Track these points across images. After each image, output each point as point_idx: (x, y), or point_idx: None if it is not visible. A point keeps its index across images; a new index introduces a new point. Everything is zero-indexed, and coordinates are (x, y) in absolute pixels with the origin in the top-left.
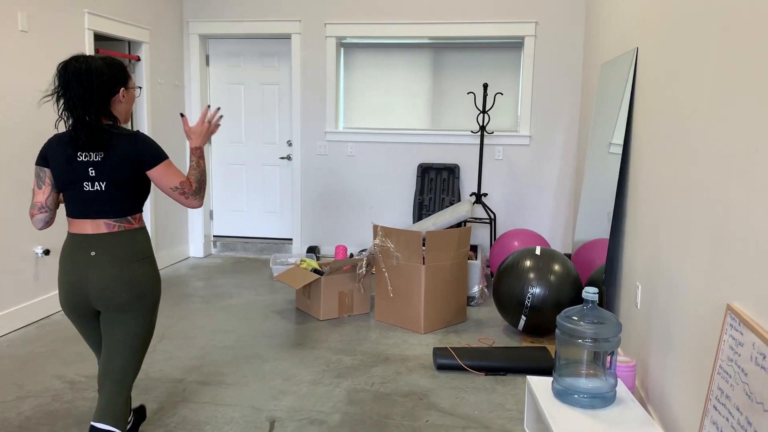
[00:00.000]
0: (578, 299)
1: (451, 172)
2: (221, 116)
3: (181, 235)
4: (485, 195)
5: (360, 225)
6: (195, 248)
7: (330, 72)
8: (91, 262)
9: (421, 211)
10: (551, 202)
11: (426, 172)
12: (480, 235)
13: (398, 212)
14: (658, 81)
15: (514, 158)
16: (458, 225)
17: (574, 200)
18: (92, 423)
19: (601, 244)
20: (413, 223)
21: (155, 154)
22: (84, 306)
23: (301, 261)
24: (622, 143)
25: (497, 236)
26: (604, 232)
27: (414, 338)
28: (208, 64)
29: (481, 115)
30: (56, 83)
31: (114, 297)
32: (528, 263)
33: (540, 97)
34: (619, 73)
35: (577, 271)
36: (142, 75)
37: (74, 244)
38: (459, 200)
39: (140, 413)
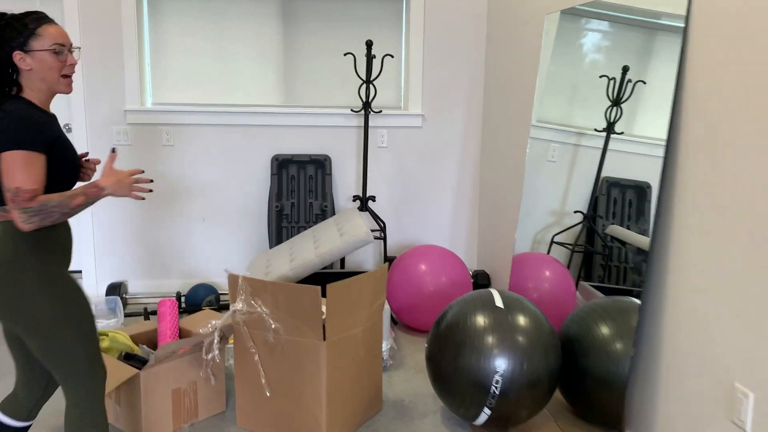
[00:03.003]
0: (561, 369)
1: (319, 166)
2: (150, 190)
3: None
4: (373, 199)
5: (188, 247)
6: None
7: (128, 20)
8: None
9: (280, 223)
10: (450, 203)
11: (284, 166)
12: (368, 256)
13: (246, 227)
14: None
15: (402, 145)
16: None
17: (477, 198)
18: None
19: (545, 261)
20: (271, 247)
21: (6, 140)
22: None
23: (100, 335)
24: (665, 140)
25: (389, 254)
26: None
27: None
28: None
29: (365, 86)
30: None
31: None
32: (483, 321)
33: (434, 64)
34: (626, 36)
35: (547, 319)
36: None
37: None
38: (332, 205)
39: None
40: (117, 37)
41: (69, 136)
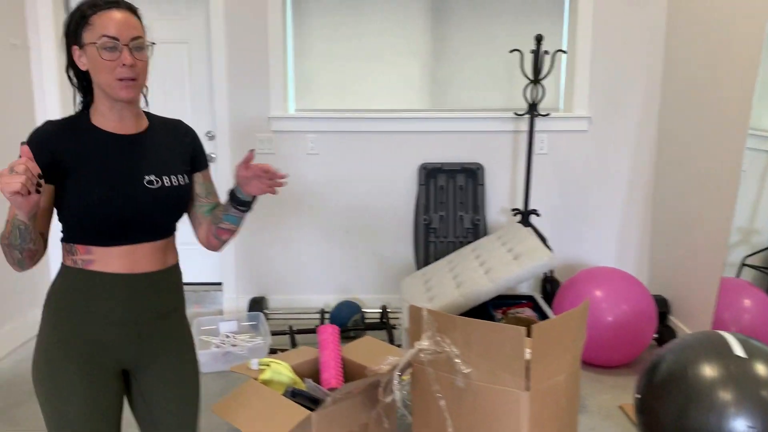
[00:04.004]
0: None
1: (470, 175)
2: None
3: (32, 293)
4: (536, 213)
5: (330, 261)
6: None
7: (274, 24)
8: None
9: (427, 237)
10: (617, 218)
11: (432, 176)
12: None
13: (391, 241)
14: None
15: (564, 152)
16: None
17: (650, 213)
18: None
19: (741, 288)
20: (418, 264)
21: None
22: None
23: (259, 365)
24: None
25: (554, 277)
26: None
27: None
28: (68, 8)
29: (532, 86)
30: None
31: None
32: (715, 372)
33: (603, 60)
34: None
35: None
36: None
37: None
38: (484, 217)
39: None
40: (261, 38)
41: (212, 144)
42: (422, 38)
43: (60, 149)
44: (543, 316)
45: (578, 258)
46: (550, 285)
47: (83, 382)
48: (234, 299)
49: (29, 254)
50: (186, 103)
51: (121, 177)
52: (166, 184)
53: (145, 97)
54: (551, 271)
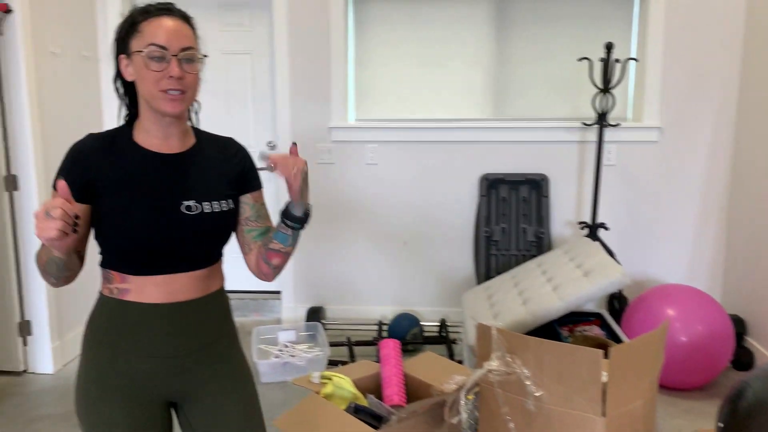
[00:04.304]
0: None
1: (534, 186)
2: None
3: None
4: (604, 227)
5: (388, 272)
6: None
7: (337, 34)
8: None
9: (489, 250)
10: (689, 233)
11: (494, 187)
12: None
13: (450, 253)
14: None
15: (633, 163)
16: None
17: (725, 227)
18: None
19: None
20: (478, 277)
21: None
22: None
23: (321, 378)
24: None
25: (622, 294)
26: None
27: None
28: None
29: (601, 95)
30: None
31: None
32: None
33: (675, 68)
34: None
35: None
36: (16, 38)
37: None
38: (548, 229)
39: None
40: (324, 48)
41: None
42: (485, 45)
43: (97, 168)
44: (611, 334)
45: (647, 274)
46: (618, 302)
47: (126, 420)
48: (292, 308)
49: (65, 279)
50: (248, 113)
51: (158, 202)
52: (206, 211)
53: (196, 114)
54: (620, 288)
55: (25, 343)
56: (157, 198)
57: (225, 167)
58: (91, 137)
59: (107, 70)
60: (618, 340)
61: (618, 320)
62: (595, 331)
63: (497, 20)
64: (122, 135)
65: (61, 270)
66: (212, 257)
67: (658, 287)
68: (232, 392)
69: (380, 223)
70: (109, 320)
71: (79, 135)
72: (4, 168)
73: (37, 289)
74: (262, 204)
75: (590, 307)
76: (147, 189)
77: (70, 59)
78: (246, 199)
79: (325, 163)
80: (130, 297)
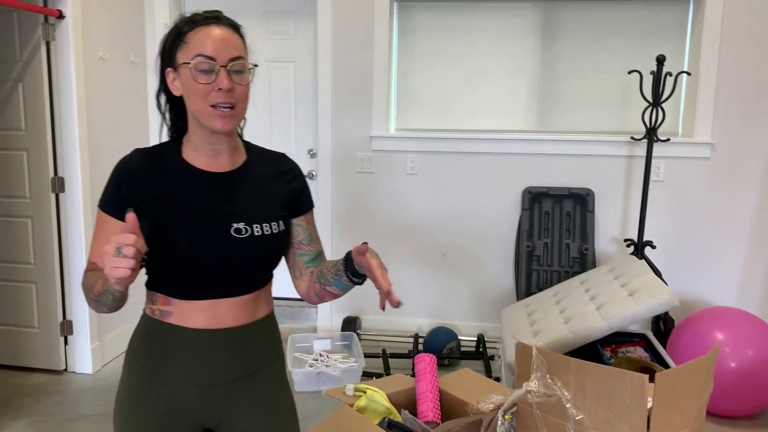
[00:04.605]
0: None
1: (579, 201)
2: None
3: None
4: (651, 245)
5: (425, 284)
6: None
7: (380, 43)
8: None
9: (530, 265)
10: (741, 254)
11: (537, 201)
12: None
13: (490, 267)
14: None
15: (683, 180)
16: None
17: None
18: None
19: None
20: (518, 292)
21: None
22: None
23: (355, 391)
24: None
25: (668, 316)
26: None
27: None
28: None
29: (651, 109)
30: None
31: None
32: None
33: (729, 82)
34: None
35: None
36: (68, 44)
37: None
38: (593, 246)
39: None
40: (367, 58)
41: (313, 161)
42: (531, 56)
43: (145, 187)
44: (656, 357)
45: (695, 295)
46: (664, 323)
47: None
48: (328, 317)
49: (117, 308)
50: (290, 120)
51: (206, 225)
52: (257, 234)
53: (240, 127)
54: (666, 310)
55: (66, 343)
56: (206, 220)
57: (277, 186)
58: (138, 153)
59: (154, 76)
60: (663, 363)
61: (663, 342)
62: (639, 352)
63: (544, 31)
64: (170, 151)
65: (117, 301)
66: (261, 281)
67: (707, 309)
68: (270, 429)
69: (419, 234)
70: (149, 342)
71: (125, 140)
72: (52, 170)
73: (79, 289)
74: (313, 227)
75: (635, 328)
76: (195, 210)
77: (118, 64)
78: (299, 222)
79: (365, 172)
80: (173, 320)
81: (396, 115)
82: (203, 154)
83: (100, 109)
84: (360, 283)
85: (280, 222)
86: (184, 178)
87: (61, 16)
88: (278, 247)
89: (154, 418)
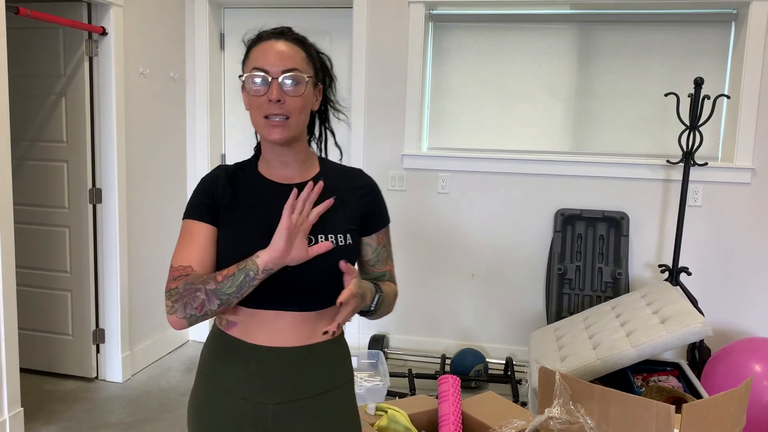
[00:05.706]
0: None
1: (613, 225)
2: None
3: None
4: (687, 271)
5: (454, 305)
6: (198, 330)
7: (414, 61)
8: None
9: (561, 288)
10: None
11: (570, 223)
12: None
13: (520, 289)
14: None
15: (722, 205)
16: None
17: None
18: None
19: None
20: (548, 316)
21: None
22: None
23: (377, 411)
24: None
25: (704, 345)
26: None
27: None
28: (223, 46)
29: (688, 133)
30: None
31: None
32: None
33: None
34: None
35: None
36: (110, 60)
37: None
38: (626, 270)
39: None
40: (401, 76)
41: None
42: (566, 77)
43: (221, 196)
44: (689, 387)
45: (732, 325)
46: (699, 352)
47: None
48: (355, 334)
49: (236, 299)
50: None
51: (271, 232)
52: None
53: (317, 142)
54: (700, 338)
55: (98, 351)
56: (272, 229)
57: (349, 200)
58: (221, 167)
59: (193, 92)
60: (695, 394)
61: (698, 372)
62: (671, 382)
63: (580, 52)
64: (250, 165)
65: (241, 289)
66: (324, 296)
67: (744, 340)
68: None
69: (448, 253)
70: (213, 353)
71: (162, 154)
72: (90, 181)
73: (112, 298)
74: (383, 246)
75: (668, 356)
76: (263, 220)
77: (157, 80)
78: (369, 240)
79: (396, 190)
80: (235, 332)
81: (429, 134)
82: (273, 166)
83: (139, 123)
84: (365, 315)
85: (348, 235)
86: (256, 189)
87: (104, 32)
88: (343, 259)
89: (215, 430)
